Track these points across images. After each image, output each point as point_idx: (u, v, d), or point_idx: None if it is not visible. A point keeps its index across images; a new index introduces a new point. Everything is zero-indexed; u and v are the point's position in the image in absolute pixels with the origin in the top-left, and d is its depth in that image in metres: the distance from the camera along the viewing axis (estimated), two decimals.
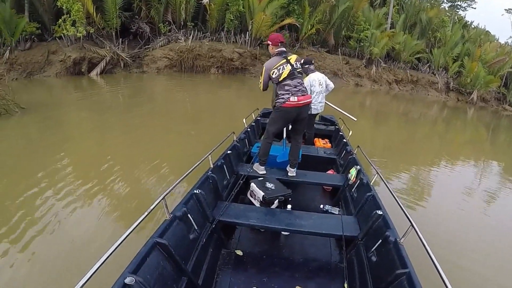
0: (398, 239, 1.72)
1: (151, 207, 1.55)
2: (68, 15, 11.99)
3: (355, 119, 4.69)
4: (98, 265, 1.13)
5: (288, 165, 3.01)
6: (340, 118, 4.92)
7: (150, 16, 13.39)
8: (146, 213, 1.49)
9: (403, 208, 1.83)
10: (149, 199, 3.57)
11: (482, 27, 20.61)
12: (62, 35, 12.38)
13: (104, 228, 2.97)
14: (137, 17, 13.44)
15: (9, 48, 11.98)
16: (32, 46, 12.49)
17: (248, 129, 3.96)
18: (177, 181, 1.83)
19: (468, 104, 16.46)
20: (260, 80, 2.83)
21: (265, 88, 2.87)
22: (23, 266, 2.43)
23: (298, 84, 2.73)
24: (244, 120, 4.07)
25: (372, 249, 1.89)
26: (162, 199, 1.65)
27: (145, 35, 13.47)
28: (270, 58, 2.82)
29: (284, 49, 2.79)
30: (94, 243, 2.73)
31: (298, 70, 2.76)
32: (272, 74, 2.72)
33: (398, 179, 4.86)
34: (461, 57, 16.95)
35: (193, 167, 2.08)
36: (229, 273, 1.99)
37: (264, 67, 2.77)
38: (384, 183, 2.27)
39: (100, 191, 3.65)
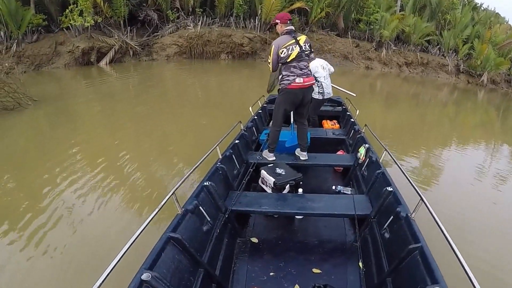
0: (409, 214, 1.73)
1: (162, 204, 1.54)
2: (75, 5, 11.77)
3: (354, 95, 4.65)
4: (113, 265, 1.14)
5: (299, 149, 3.00)
6: (346, 98, 4.87)
7: (157, 3, 13.15)
8: (156, 210, 1.49)
9: (412, 183, 1.82)
10: (160, 186, 3.55)
11: (492, 9, 20.32)
12: (69, 25, 12.17)
13: (116, 217, 2.91)
14: (144, 4, 13.19)
15: (16, 41, 11.81)
16: (39, 38, 12.31)
17: (255, 117, 3.92)
18: (185, 176, 1.82)
19: (478, 86, 16.26)
20: (269, 60, 2.71)
21: (275, 68, 2.76)
22: (39, 260, 2.36)
23: (304, 67, 2.68)
24: (250, 108, 4.03)
25: (385, 226, 1.89)
26: (172, 194, 1.64)
27: (153, 22, 13.24)
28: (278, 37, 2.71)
29: (292, 27, 2.72)
30: (108, 233, 2.68)
31: (306, 53, 2.69)
32: (281, 53, 2.62)
33: (408, 161, 4.80)
34: (471, 39, 16.69)
35: (201, 159, 2.07)
36: (246, 261, 2.00)
37: (272, 46, 2.65)
38: (392, 158, 2.29)
39: (111, 179, 3.61)
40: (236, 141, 2.92)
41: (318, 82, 3.94)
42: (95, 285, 1.03)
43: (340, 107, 4.84)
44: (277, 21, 2.70)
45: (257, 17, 13.57)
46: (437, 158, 5.23)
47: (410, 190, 1.82)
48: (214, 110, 6.91)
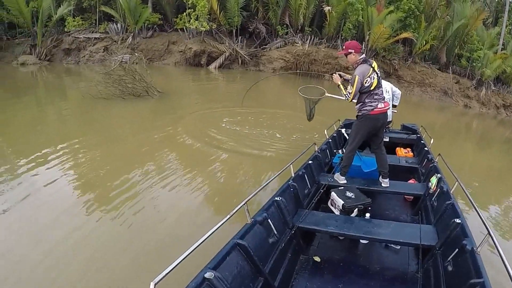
0: (474, 248, 1.68)
1: (233, 211, 1.63)
2: (192, 9, 11.99)
3: (343, 98, 4.45)
4: (181, 259, 1.24)
5: (380, 177, 2.98)
6: (421, 126, 4.87)
7: (267, 17, 13.22)
8: (228, 216, 1.57)
9: (481, 215, 1.84)
10: (239, 190, 3.72)
11: None
12: (183, 27, 12.30)
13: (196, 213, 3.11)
14: (255, 17, 13.28)
15: (132, 34, 12.01)
16: (153, 35, 12.42)
17: (330, 140, 3.97)
18: (259, 189, 1.95)
19: None
20: (351, 90, 2.66)
21: (355, 98, 2.76)
22: (119, 236, 2.63)
23: (382, 93, 2.81)
24: (325, 131, 4.15)
25: (449, 259, 1.85)
26: (244, 204, 1.74)
27: (261, 35, 13.20)
28: (358, 67, 2.66)
29: (364, 55, 2.74)
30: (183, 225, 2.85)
31: (380, 79, 2.80)
32: (365, 82, 2.65)
33: (488, 205, 4.44)
34: None
35: (274, 176, 2.22)
36: (306, 278, 2.03)
37: (356, 77, 2.60)
38: (463, 190, 2.28)
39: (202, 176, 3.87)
40: (310, 162, 3.01)
41: None
42: (162, 274, 1.14)
43: (414, 135, 4.75)
44: (351, 50, 2.66)
45: (363, 42, 13.33)
46: None
47: (478, 226, 1.76)
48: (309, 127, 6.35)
